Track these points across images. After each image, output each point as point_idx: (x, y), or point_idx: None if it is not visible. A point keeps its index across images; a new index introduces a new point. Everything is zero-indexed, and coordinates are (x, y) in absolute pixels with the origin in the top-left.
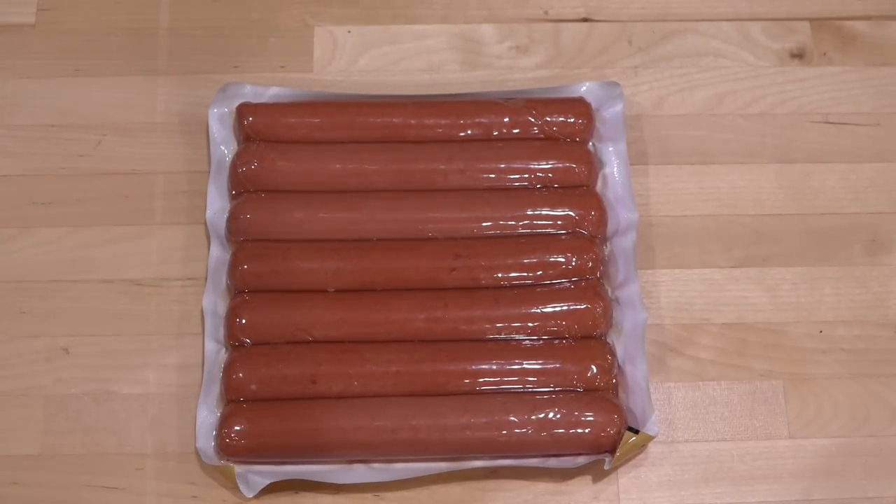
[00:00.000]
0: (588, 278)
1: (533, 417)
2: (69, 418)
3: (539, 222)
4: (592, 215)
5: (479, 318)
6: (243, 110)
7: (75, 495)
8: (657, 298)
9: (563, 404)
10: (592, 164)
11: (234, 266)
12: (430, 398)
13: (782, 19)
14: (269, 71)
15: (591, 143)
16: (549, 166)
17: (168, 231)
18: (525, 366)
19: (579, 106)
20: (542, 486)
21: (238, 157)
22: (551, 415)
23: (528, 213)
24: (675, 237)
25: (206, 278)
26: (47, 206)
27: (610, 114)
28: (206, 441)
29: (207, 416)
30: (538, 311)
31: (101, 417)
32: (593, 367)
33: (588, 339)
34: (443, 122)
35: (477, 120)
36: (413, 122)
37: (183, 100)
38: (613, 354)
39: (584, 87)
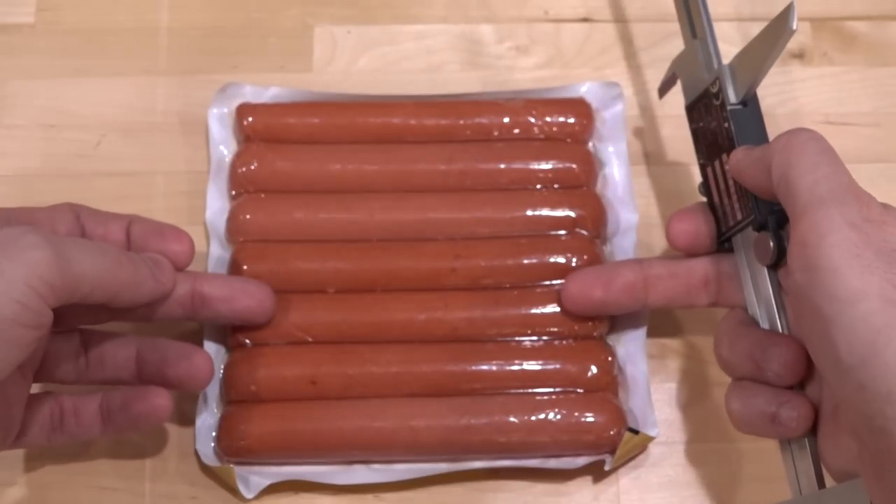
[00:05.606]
0: None
1: (533, 418)
2: None
3: (539, 223)
4: (592, 215)
5: (479, 318)
6: (243, 110)
7: (74, 495)
8: None
9: (563, 405)
10: (592, 165)
11: (233, 267)
12: (430, 399)
13: None
14: (268, 71)
15: (591, 144)
16: (549, 167)
17: None
18: (525, 367)
19: (579, 106)
20: (542, 487)
21: (238, 157)
22: (551, 415)
23: (528, 213)
24: None
25: None
26: None
27: (610, 114)
28: (205, 442)
29: (207, 417)
30: (538, 311)
31: None
32: (593, 367)
33: (588, 340)
34: (443, 122)
35: (477, 120)
36: (413, 122)
37: (183, 100)
38: (613, 355)
39: (584, 88)
